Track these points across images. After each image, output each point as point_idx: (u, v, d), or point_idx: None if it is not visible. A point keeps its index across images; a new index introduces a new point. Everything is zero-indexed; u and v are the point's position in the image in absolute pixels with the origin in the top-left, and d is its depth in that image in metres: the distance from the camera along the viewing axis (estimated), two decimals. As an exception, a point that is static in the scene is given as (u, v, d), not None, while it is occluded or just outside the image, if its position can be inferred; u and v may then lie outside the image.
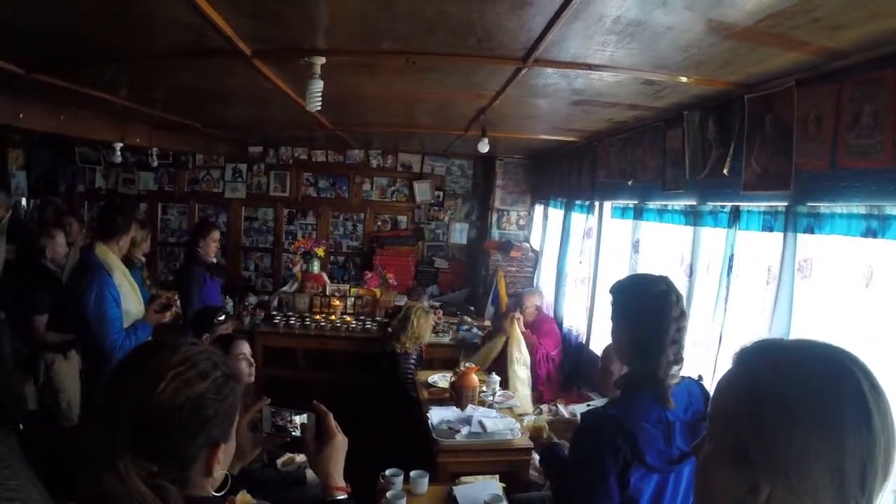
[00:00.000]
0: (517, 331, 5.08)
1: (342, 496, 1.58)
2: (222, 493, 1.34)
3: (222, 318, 4.00)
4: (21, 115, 4.30)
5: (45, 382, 4.62)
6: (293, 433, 1.69)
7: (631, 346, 2.04)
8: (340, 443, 1.64)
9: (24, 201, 7.85)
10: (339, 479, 1.60)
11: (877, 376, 0.91)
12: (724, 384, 1.01)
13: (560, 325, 6.07)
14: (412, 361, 5.17)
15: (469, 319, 6.84)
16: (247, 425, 1.78)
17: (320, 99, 2.93)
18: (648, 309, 2.01)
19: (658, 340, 1.99)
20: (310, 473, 3.55)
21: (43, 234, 5.12)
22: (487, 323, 6.75)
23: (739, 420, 0.95)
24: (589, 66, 2.80)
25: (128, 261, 4.38)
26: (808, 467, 0.87)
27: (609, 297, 2.19)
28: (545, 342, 5.41)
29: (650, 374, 1.98)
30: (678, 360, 2.02)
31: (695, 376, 2.24)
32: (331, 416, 1.66)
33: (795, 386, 0.91)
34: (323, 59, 2.81)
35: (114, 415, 1.18)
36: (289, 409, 1.71)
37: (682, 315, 2.04)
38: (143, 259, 5.82)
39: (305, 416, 1.69)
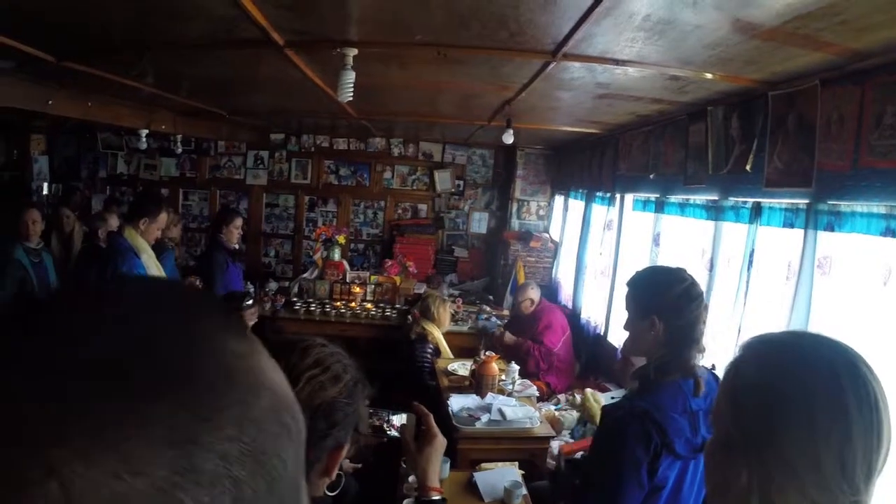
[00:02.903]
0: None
1: (437, 497, 1.59)
2: (335, 492, 1.34)
3: (250, 302, 4.08)
4: (50, 102, 4.36)
5: None
6: (389, 433, 1.69)
7: (661, 340, 2.08)
8: (441, 443, 1.63)
9: (45, 186, 7.94)
10: (435, 480, 1.60)
11: (868, 367, 0.92)
12: (723, 376, 1.05)
13: (577, 316, 6.10)
14: (429, 350, 5.23)
15: (488, 308, 6.87)
16: None
17: (352, 90, 2.97)
18: (683, 304, 2.06)
19: (694, 333, 2.05)
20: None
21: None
22: (506, 312, 6.75)
23: (725, 409, 1.00)
24: (616, 62, 2.84)
25: (161, 244, 4.47)
26: (785, 454, 0.89)
27: (629, 291, 2.23)
28: (544, 336, 5.39)
29: (681, 365, 2.03)
30: (703, 350, 2.09)
31: (708, 366, 2.29)
32: (431, 417, 1.64)
33: (770, 376, 0.95)
34: (355, 51, 2.85)
35: None
36: (385, 409, 1.71)
37: (707, 307, 2.11)
38: (176, 239, 5.94)
39: (404, 416, 1.68)
